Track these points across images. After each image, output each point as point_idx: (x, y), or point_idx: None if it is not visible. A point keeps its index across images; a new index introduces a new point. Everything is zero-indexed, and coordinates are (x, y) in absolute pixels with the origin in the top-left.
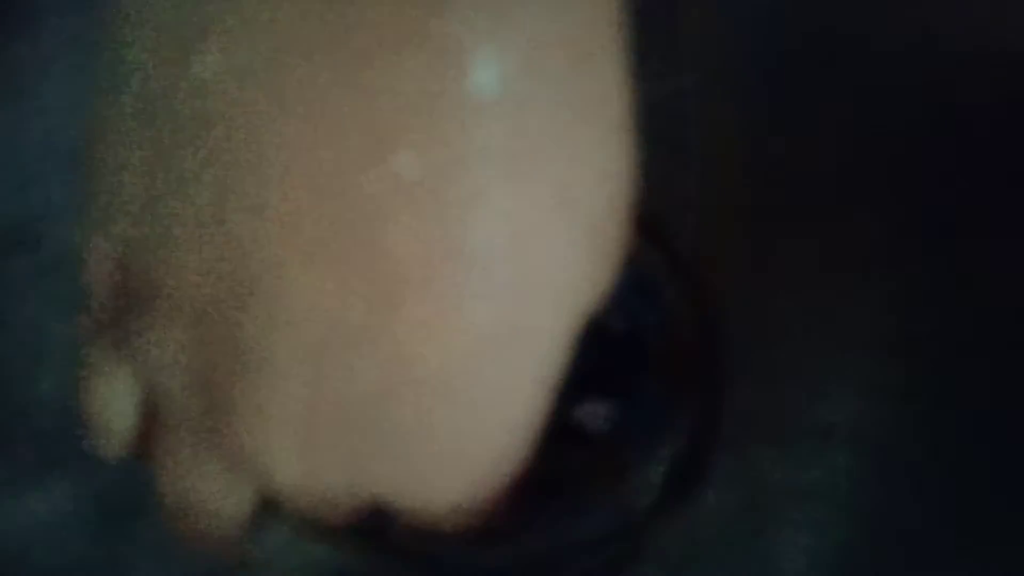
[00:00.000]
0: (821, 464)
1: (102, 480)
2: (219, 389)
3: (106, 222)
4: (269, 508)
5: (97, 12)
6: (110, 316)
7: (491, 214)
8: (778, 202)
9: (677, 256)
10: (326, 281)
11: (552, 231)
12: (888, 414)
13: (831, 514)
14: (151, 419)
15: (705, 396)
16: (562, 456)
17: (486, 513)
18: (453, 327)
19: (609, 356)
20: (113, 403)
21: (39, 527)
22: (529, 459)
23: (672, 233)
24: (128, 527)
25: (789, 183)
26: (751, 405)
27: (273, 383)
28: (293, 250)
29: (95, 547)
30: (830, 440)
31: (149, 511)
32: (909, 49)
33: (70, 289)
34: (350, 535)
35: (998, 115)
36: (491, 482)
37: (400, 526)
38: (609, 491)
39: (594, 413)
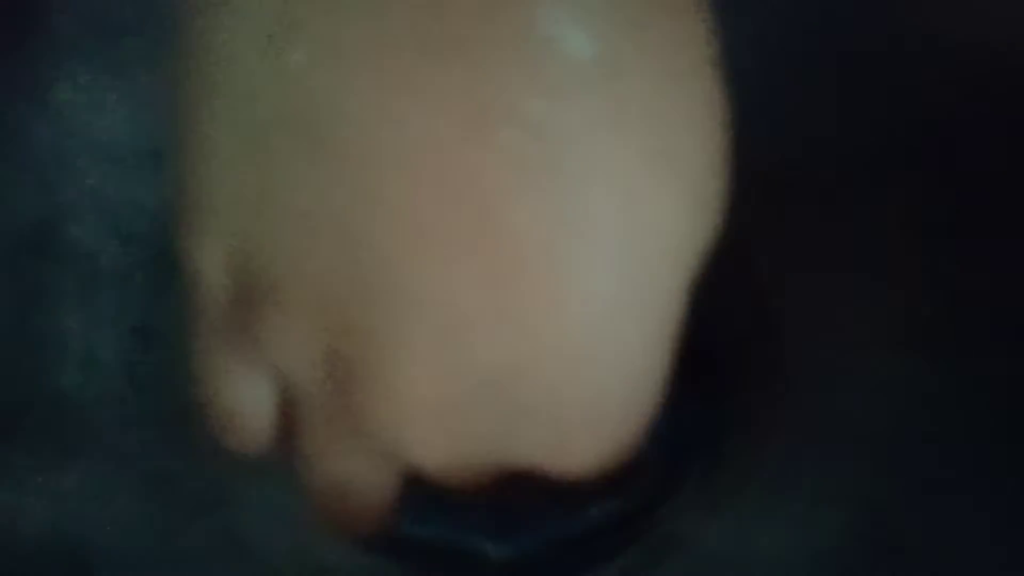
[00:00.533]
0: (827, 460)
1: (114, 463)
2: (352, 376)
3: (215, 219)
4: (413, 484)
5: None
6: (230, 316)
7: (601, 179)
8: (788, 192)
9: None
10: (448, 263)
11: (659, 190)
12: (899, 410)
13: (835, 512)
14: (287, 413)
15: (716, 391)
16: None
17: (620, 466)
18: (574, 295)
19: None
20: (248, 403)
21: (63, 510)
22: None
23: None
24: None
25: (797, 174)
26: (762, 398)
27: (405, 366)
28: (411, 234)
29: (110, 526)
30: (838, 434)
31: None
32: (936, 39)
33: (88, 286)
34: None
35: None
36: (625, 438)
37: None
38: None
39: None
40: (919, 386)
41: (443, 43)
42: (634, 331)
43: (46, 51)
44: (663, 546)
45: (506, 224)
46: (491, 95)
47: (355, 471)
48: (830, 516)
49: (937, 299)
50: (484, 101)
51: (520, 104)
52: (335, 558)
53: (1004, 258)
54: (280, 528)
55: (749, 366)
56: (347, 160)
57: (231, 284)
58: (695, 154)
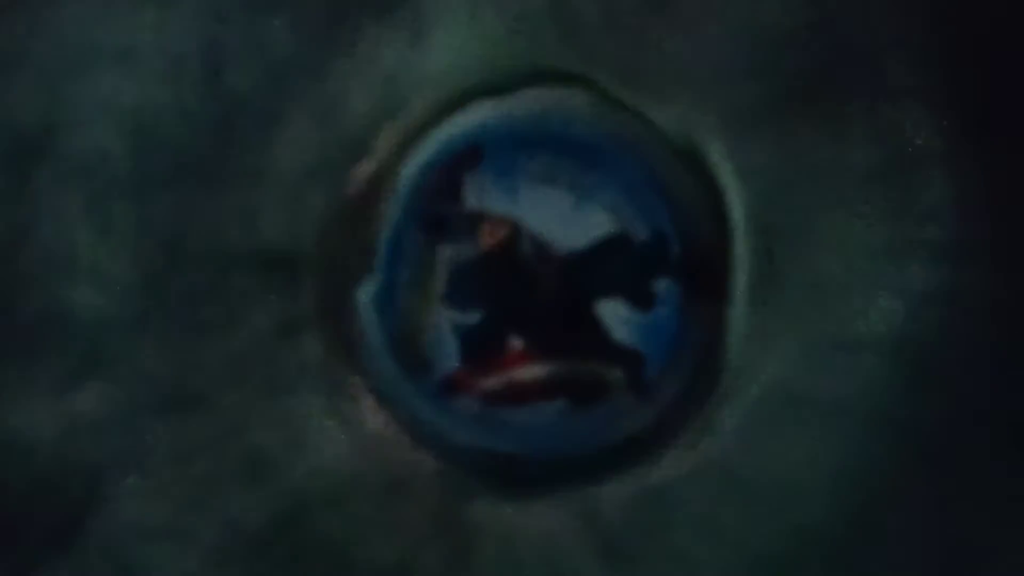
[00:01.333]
0: (853, 377)
1: (131, 384)
2: None
3: None
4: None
5: None
6: None
7: None
8: (815, 97)
9: (701, 160)
10: None
11: None
12: (931, 324)
13: (858, 428)
14: None
15: (717, 304)
16: (580, 357)
17: None
18: None
19: (631, 263)
20: None
21: (74, 426)
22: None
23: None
24: (154, 429)
25: (831, 75)
26: (780, 315)
27: None
28: None
29: (124, 447)
30: (863, 352)
31: (175, 415)
32: None
33: (95, 197)
34: None
35: None
36: None
37: None
38: (625, 397)
39: (615, 316)
40: (949, 298)
41: None
42: None
43: None
44: (682, 464)
45: None
46: None
47: None
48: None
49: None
50: None
51: None
52: (364, 470)
53: None
54: (303, 450)
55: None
56: None
57: None
58: None
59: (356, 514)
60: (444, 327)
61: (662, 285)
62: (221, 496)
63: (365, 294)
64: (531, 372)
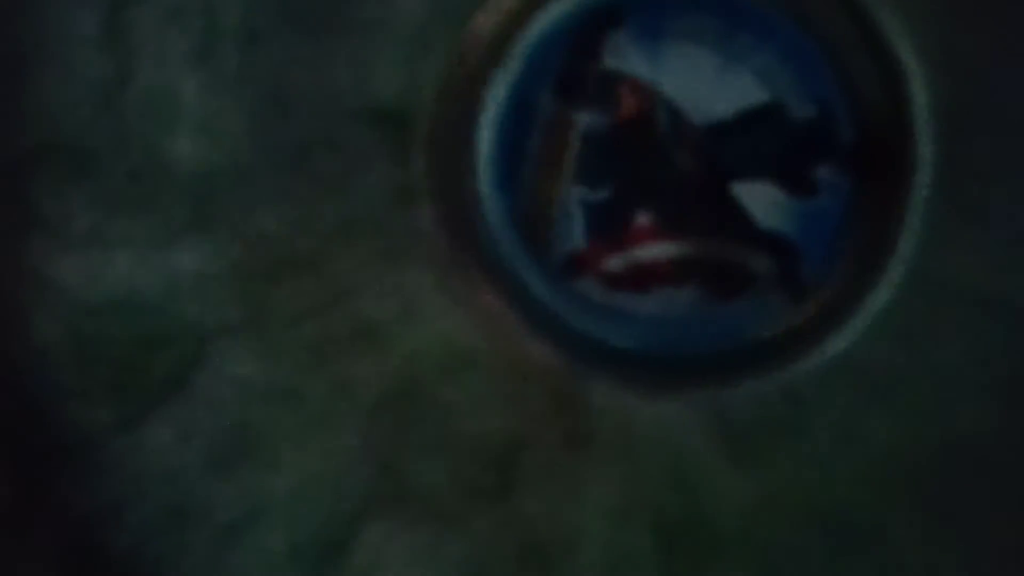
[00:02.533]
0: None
1: (239, 242)
2: None
3: None
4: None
5: None
6: None
7: None
8: None
9: (876, 32)
10: None
11: None
12: None
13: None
14: None
15: (894, 194)
16: (720, 241)
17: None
18: None
19: (787, 142)
20: None
21: (180, 283)
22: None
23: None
24: (262, 290)
25: None
26: (946, 206)
27: None
28: None
29: (231, 306)
30: None
31: (284, 277)
32: None
33: (200, 44)
34: None
35: None
36: None
37: None
38: (771, 290)
39: (766, 200)
40: None
41: None
42: None
43: None
44: (829, 365)
45: None
46: None
47: None
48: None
49: None
50: None
51: None
52: (477, 347)
53: None
54: (414, 322)
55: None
56: None
57: None
58: None
59: (469, 389)
60: (570, 202)
61: (826, 171)
62: (331, 361)
63: (485, 162)
64: (660, 251)
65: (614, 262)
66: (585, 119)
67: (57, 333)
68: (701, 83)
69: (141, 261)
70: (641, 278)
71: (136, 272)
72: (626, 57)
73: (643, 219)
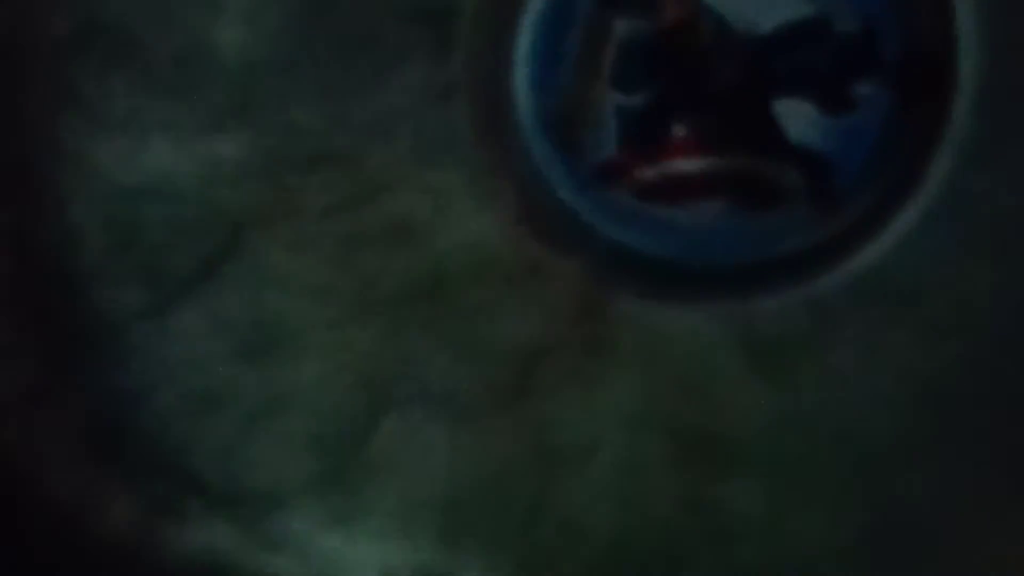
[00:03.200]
0: None
1: (277, 134)
2: None
3: None
4: None
5: None
6: None
7: None
8: None
9: None
10: None
11: None
12: None
13: None
14: None
15: (933, 113)
16: (754, 155)
17: None
18: None
19: (830, 57)
20: None
21: (217, 171)
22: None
23: None
24: (297, 182)
25: None
26: (985, 127)
27: None
28: None
29: (266, 196)
30: None
31: (319, 170)
32: None
33: None
34: None
35: None
36: None
37: None
38: (802, 206)
39: (802, 116)
40: None
41: None
42: None
43: None
44: (857, 281)
45: None
46: None
47: None
48: None
49: None
50: None
51: None
52: (505, 250)
53: None
54: (446, 221)
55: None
56: None
57: None
58: None
59: (495, 291)
60: (606, 108)
61: (866, 89)
62: (361, 256)
63: (523, 63)
64: (694, 164)
65: (647, 172)
66: (626, 25)
67: (91, 216)
68: None
69: (179, 147)
70: (673, 189)
71: (173, 158)
72: None
73: (679, 130)
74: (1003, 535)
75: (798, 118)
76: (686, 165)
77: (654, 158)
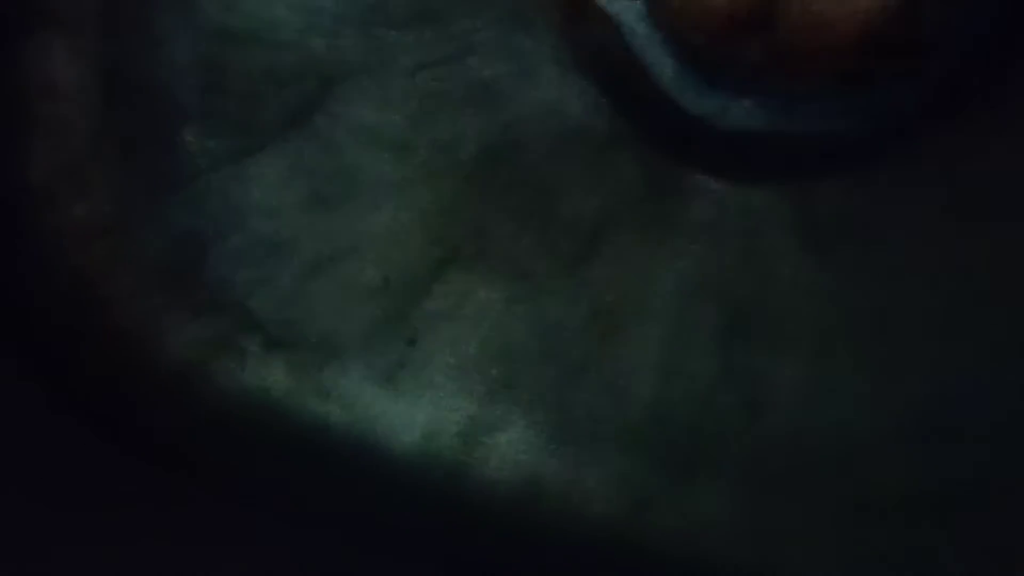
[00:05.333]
0: None
1: None
2: None
3: None
4: None
5: None
6: None
7: None
8: None
9: None
10: None
11: None
12: None
13: None
14: None
15: None
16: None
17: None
18: None
19: None
20: None
21: (315, 20)
22: None
23: None
24: (390, 38)
25: None
26: None
27: None
28: None
29: (358, 50)
30: None
31: (412, 27)
32: None
33: None
34: None
35: None
36: None
37: None
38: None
39: None
40: None
41: None
42: None
43: None
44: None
45: None
46: None
47: None
48: None
49: None
50: None
51: None
52: (584, 119)
53: None
54: (528, 89)
55: None
56: None
57: None
58: None
59: (567, 161)
60: None
61: None
62: (441, 115)
63: None
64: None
65: (746, 51)
66: None
67: (190, 55)
68: None
69: None
70: (770, 66)
71: (274, 3)
72: None
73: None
74: None
75: None
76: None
77: (752, 36)
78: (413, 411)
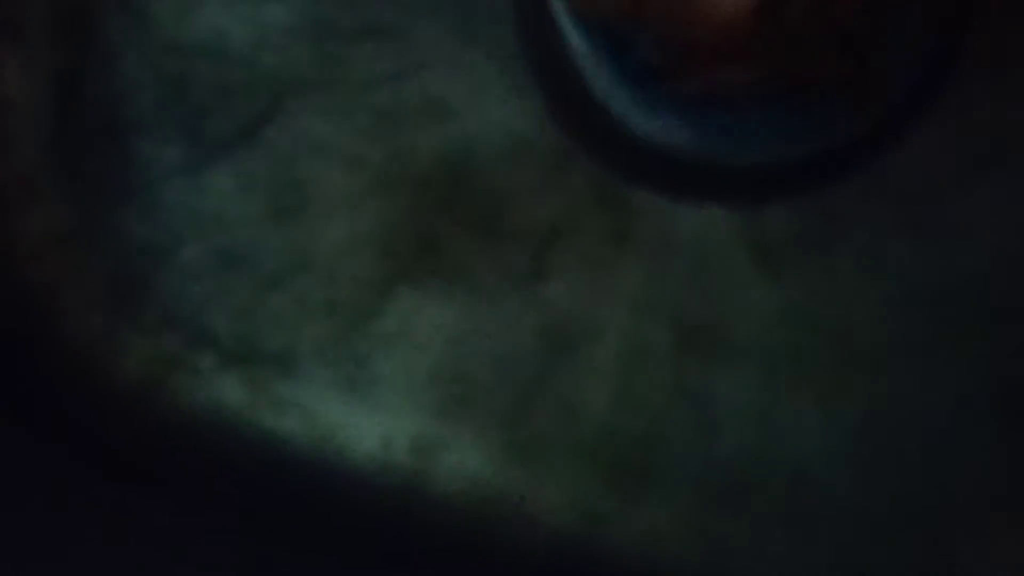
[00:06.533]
0: None
1: (329, 2)
2: None
3: None
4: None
5: None
6: None
7: None
8: None
9: None
10: None
11: None
12: None
13: None
14: None
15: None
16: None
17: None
18: None
19: None
20: None
21: (266, 35)
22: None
23: None
24: (342, 52)
25: None
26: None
27: None
28: None
29: (310, 64)
30: None
31: (365, 42)
32: None
33: None
34: None
35: None
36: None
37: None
38: (856, 91)
39: None
40: None
41: None
42: None
43: None
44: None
45: None
46: None
47: None
48: None
49: None
50: None
51: None
52: (534, 136)
53: None
54: (479, 102)
55: None
56: None
57: None
58: None
59: (518, 176)
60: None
61: None
62: (393, 130)
63: None
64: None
65: (688, 80)
66: None
67: (142, 68)
68: None
69: (231, 7)
70: (714, 93)
71: (226, 17)
72: None
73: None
74: (989, 438)
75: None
76: (730, 75)
77: (699, 68)
78: (367, 427)
